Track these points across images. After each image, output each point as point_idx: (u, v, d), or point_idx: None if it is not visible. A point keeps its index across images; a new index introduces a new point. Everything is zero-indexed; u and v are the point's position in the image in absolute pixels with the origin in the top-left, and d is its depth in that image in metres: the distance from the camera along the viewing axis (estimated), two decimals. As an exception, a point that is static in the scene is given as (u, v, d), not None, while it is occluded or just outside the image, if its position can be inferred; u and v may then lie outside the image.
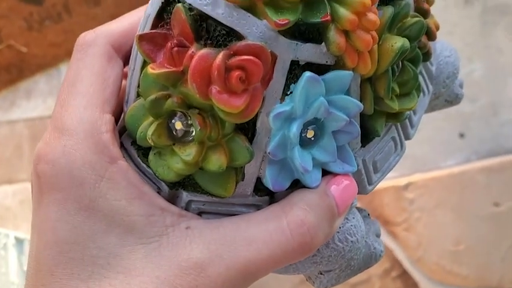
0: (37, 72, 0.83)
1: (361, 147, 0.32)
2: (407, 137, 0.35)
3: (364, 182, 0.33)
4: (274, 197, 0.31)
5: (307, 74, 0.27)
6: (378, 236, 0.37)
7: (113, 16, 0.87)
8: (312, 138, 0.29)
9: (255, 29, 0.26)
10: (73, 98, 0.29)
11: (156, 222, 0.26)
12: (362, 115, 0.31)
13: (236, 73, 0.25)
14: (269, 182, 0.29)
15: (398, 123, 0.34)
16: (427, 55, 0.34)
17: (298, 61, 0.27)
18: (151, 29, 0.29)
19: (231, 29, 0.26)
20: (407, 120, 0.35)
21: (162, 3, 0.29)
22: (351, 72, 0.28)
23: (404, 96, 0.32)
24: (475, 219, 0.81)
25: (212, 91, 0.26)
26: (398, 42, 0.29)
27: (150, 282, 0.25)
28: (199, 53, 0.26)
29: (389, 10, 0.29)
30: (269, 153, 0.28)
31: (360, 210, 0.36)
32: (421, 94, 0.35)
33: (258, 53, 0.26)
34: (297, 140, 0.28)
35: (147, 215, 0.26)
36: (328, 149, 0.29)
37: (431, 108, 0.40)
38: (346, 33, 0.27)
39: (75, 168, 0.26)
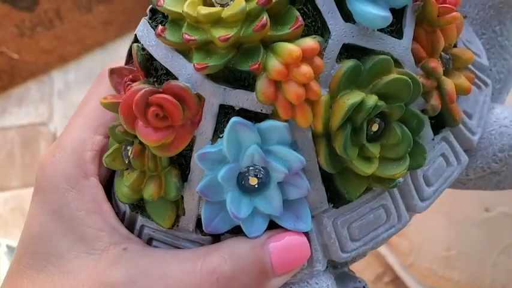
0: (29, 79, 0.83)
1: (332, 207, 0.30)
2: (412, 209, 0.32)
3: (334, 246, 0.30)
4: (221, 239, 0.30)
5: (234, 119, 0.27)
6: None
7: (105, 23, 0.86)
8: (256, 186, 0.28)
9: (184, 71, 0.27)
10: (77, 118, 0.32)
11: (103, 237, 0.29)
12: (331, 173, 0.29)
13: (152, 109, 0.27)
14: (202, 222, 0.29)
15: (396, 191, 0.31)
16: (451, 120, 0.31)
17: (233, 106, 0.27)
18: (124, 64, 0.31)
19: (167, 69, 0.28)
20: (412, 189, 0.31)
21: (132, 41, 0.30)
22: (285, 124, 0.27)
23: (390, 160, 0.29)
24: (466, 225, 0.81)
25: (137, 124, 0.27)
26: (352, 99, 0.27)
27: (77, 287, 0.28)
28: (132, 88, 0.28)
29: (348, 64, 0.27)
30: (197, 192, 0.28)
31: (353, 279, 0.34)
32: (444, 163, 0.32)
33: (178, 93, 0.27)
34: (231, 184, 0.28)
35: (98, 229, 0.29)
36: (272, 200, 0.28)
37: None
38: (279, 84, 0.26)
39: (56, 176, 0.30)
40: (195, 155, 0.28)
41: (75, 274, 0.29)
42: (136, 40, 0.30)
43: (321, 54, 0.27)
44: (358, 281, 0.34)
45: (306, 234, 0.30)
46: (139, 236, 0.32)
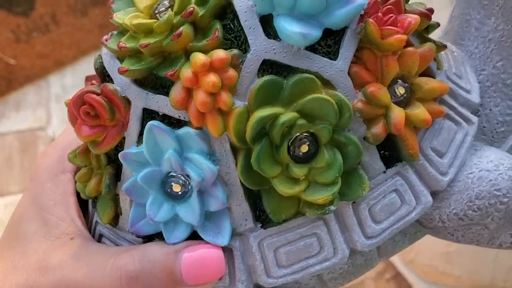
0: (26, 83, 0.83)
1: (260, 227, 0.29)
2: (353, 245, 0.29)
3: (259, 269, 0.29)
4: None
5: (151, 122, 0.28)
6: None
7: (101, 26, 0.87)
8: (180, 193, 0.28)
9: (118, 76, 0.29)
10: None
11: (60, 226, 0.32)
12: (259, 191, 0.28)
13: (83, 107, 0.29)
14: (129, 222, 0.30)
15: (334, 222, 0.29)
16: (406, 154, 0.29)
17: (157, 112, 0.28)
18: None
19: (109, 74, 0.30)
20: (354, 222, 0.29)
21: None
22: (196, 131, 0.28)
23: (319, 185, 0.28)
24: (466, 220, 0.81)
25: (78, 121, 0.30)
26: (261, 113, 0.26)
27: (25, 267, 0.31)
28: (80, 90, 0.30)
29: (264, 79, 0.27)
30: (122, 190, 0.29)
31: None
32: (397, 200, 0.30)
33: (108, 95, 0.29)
34: (153, 188, 0.28)
35: (58, 219, 0.32)
36: (192, 209, 0.28)
37: (488, 241, 0.32)
38: (191, 91, 0.27)
39: (41, 168, 0.34)
40: (119, 154, 0.29)
41: (29, 254, 0.31)
42: None
43: (238, 67, 0.27)
44: None
45: (230, 251, 0.29)
46: (93, 231, 0.33)
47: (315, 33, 0.27)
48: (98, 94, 0.29)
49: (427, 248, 0.83)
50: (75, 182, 0.33)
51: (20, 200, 0.34)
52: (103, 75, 0.31)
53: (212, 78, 0.26)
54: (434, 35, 0.32)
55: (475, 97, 0.33)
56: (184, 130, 0.28)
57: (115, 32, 0.30)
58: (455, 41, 0.35)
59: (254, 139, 0.27)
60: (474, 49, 0.34)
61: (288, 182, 0.27)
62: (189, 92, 0.27)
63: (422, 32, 0.31)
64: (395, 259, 0.85)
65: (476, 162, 0.31)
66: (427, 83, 0.29)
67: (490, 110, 0.34)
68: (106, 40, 0.30)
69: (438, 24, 0.31)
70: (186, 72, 0.27)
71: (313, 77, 0.27)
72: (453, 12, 0.35)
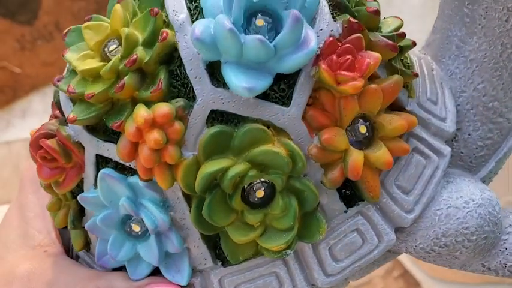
0: (31, 91, 0.84)
1: (221, 265, 0.29)
2: (313, 282, 0.29)
3: None
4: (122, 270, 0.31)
5: (102, 170, 0.28)
6: None
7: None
8: (139, 233, 0.29)
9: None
10: None
11: (37, 237, 0.33)
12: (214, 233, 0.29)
13: (39, 151, 0.29)
14: (95, 255, 0.30)
15: (293, 261, 0.29)
16: (366, 195, 0.28)
17: (111, 158, 0.28)
18: None
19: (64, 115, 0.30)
20: (314, 261, 0.29)
21: None
22: (144, 183, 0.28)
23: (275, 230, 0.27)
24: (472, 216, 0.81)
25: (37, 163, 0.30)
26: (210, 168, 0.26)
27: (2, 271, 0.32)
28: (41, 126, 0.30)
29: (211, 130, 0.26)
30: (86, 228, 0.30)
31: None
32: (359, 239, 0.29)
33: (62, 140, 0.29)
34: (112, 228, 0.29)
35: (36, 230, 0.33)
36: (151, 249, 0.28)
37: (460, 266, 0.31)
38: (137, 144, 0.27)
39: (27, 180, 0.35)
40: (78, 197, 0.29)
41: (5, 261, 0.33)
42: None
43: (185, 118, 0.26)
44: None
45: (192, 286, 0.30)
46: (71, 250, 0.34)
47: (262, 85, 0.26)
48: (53, 136, 0.29)
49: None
50: None
51: (9, 208, 0.36)
52: (61, 110, 0.31)
53: (155, 136, 0.25)
54: (417, 42, 0.31)
55: (449, 125, 0.31)
56: (135, 179, 0.28)
57: (69, 70, 0.29)
58: (436, 56, 0.33)
59: (204, 191, 0.26)
60: (455, 69, 0.32)
61: (243, 228, 0.27)
62: (135, 146, 0.26)
63: (393, 60, 0.29)
64: (403, 257, 0.85)
65: (446, 198, 0.30)
66: (390, 122, 0.28)
67: (469, 134, 0.32)
68: (58, 81, 0.29)
69: (414, 44, 0.29)
70: (130, 127, 0.26)
71: (264, 127, 0.26)
72: (436, 23, 0.33)
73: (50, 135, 0.30)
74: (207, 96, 0.26)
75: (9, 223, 0.34)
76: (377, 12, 0.28)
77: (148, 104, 0.26)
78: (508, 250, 0.30)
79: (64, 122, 0.30)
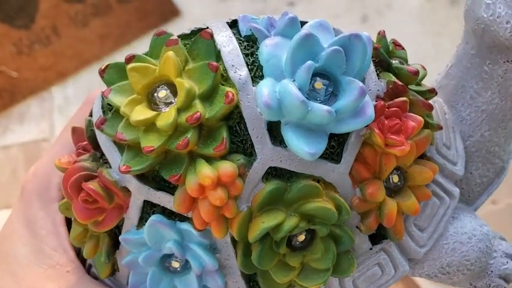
0: (29, 96, 0.83)
1: None
2: None
3: None
4: None
5: (153, 217, 0.29)
6: None
7: (101, 37, 0.87)
8: (178, 269, 0.30)
9: (116, 164, 0.29)
10: (57, 140, 0.37)
11: (54, 256, 0.33)
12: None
13: (81, 195, 0.29)
14: (129, 286, 0.31)
15: None
16: (392, 236, 0.31)
17: (158, 204, 0.29)
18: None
19: (103, 153, 0.30)
20: None
21: (89, 113, 0.33)
22: (198, 232, 0.28)
23: (312, 270, 0.29)
24: (472, 218, 0.81)
25: (74, 201, 0.30)
26: (267, 223, 0.27)
27: None
28: (75, 163, 0.30)
29: (270, 187, 0.27)
30: (122, 264, 0.31)
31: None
32: (379, 272, 0.32)
33: (107, 184, 0.29)
34: (152, 265, 0.29)
35: (52, 248, 0.33)
36: (191, 285, 0.29)
37: (450, 284, 0.36)
38: (196, 198, 0.27)
39: (33, 194, 0.35)
40: (120, 237, 0.30)
41: (21, 278, 0.32)
42: (91, 113, 0.32)
43: (244, 175, 0.27)
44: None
45: None
46: (88, 268, 0.34)
47: (321, 148, 0.27)
48: (93, 177, 0.29)
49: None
50: None
51: (9, 219, 0.35)
52: (95, 144, 0.31)
53: (220, 195, 0.26)
54: (429, 79, 0.34)
55: (460, 169, 0.35)
56: (186, 226, 0.29)
57: (109, 114, 0.29)
58: (449, 101, 0.36)
59: (257, 241, 0.28)
60: (466, 115, 0.35)
61: (284, 269, 0.29)
62: (194, 200, 0.27)
63: (426, 114, 0.31)
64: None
65: (452, 233, 0.34)
66: (420, 173, 0.31)
67: (471, 173, 0.36)
68: (101, 123, 0.28)
69: (435, 93, 0.33)
70: (193, 184, 0.26)
71: (317, 184, 0.28)
72: (450, 69, 0.36)
73: (89, 177, 0.29)
74: (266, 155, 0.27)
75: (17, 238, 0.34)
76: (417, 73, 0.30)
77: (208, 159, 0.27)
78: (493, 273, 0.35)
79: (100, 160, 0.30)
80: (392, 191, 0.31)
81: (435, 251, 0.34)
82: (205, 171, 0.26)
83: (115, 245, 0.32)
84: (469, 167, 0.36)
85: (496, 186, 0.37)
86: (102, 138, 0.30)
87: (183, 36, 0.29)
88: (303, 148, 0.26)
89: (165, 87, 0.27)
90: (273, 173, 0.28)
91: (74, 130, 0.33)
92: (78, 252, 0.35)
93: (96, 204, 0.29)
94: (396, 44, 0.32)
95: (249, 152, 0.28)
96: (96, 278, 0.34)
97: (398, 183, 0.31)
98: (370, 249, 0.32)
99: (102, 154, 0.30)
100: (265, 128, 0.27)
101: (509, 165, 0.37)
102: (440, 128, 0.32)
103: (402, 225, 0.31)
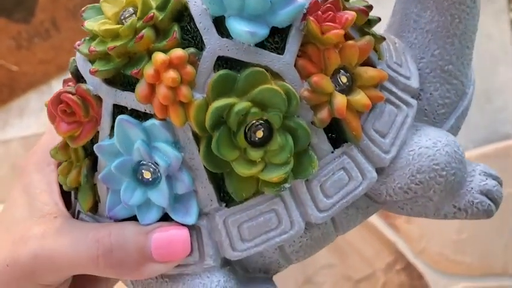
0: (28, 90, 0.83)
1: (225, 206, 0.33)
2: (308, 218, 0.33)
3: (225, 244, 0.33)
4: None
5: (120, 116, 0.32)
6: None
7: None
8: (150, 179, 0.32)
9: (90, 76, 0.33)
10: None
11: (44, 208, 0.35)
12: (222, 174, 0.32)
13: (60, 106, 0.33)
14: (106, 208, 0.33)
15: (290, 198, 0.33)
16: (350, 136, 0.33)
17: (126, 106, 0.32)
18: None
19: (82, 75, 0.34)
20: (308, 198, 0.33)
21: None
22: (160, 122, 0.31)
23: (274, 165, 0.31)
24: (475, 207, 0.81)
25: (56, 119, 0.33)
26: (217, 103, 0.30)
27: (8, 241, 0.35)
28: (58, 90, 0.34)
29: (218, 73, 0.31)
30: (99, 179, 0.33)
31: (265, 282, 0.35)
32: (345, 177, 0.33)
33: (82, 94, 0.33)
34: (126, 175, 0.32)
35: (43, 203, 0.36)
36: (162, 192, 0.32)
37: (434, 212, 0.36)
38: (154, 87, 0.31)
39: (30, 162, 0.38)
40: (94, 146, 0.33)
41: (14, 231, 0.35)
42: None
43: (195, 63, 0.31)
44: (271, 285, 0.35)
45: (198, 229, 0.33)
46: (77, 219, 0.37)
47: (262, 32, 0.31)
48: (73, 94, 0.33)
49: (438, 237, 0.83)
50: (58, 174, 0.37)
51: (10, 194, 0.38)
52: (77, 77, 0.34)
53: (172, 74, 0.30)
54: (380, 29, 0.36)
55: (414, 83, 0.36)
56: (150, 122, 0.32)
57: (87, 38, 0.34)
58: (398, 33, 0.38)
59: (213, 127, 0.31)
60: (413, 40, 0.38)
61: (246, 164, 0.31)
62: (152, 88, 0.31)
63: (363, 26, 0.34)
64: (406, 250, 0.85)
65: (417, 140, 0.34)
66: (366, 71, 0.33)
67: (431, 94, 0.37)
68: (78, 45, 0.33)
69: (379, 19, 0.35)
70: (149, 70, 0.30)
71: (263, 70, 0.31)
72: (395, 6, 0.39)
73: (67, 93, 0.33)
74: (214, 45, 0.31)
75: (13, 203, 0.37)
76: None
77: (163, 52, 0.31)
78: (473, 189, 0.36)
79: (81, 82, 0.34)
80: (344, 92, 0.33)
81: (402, 159, 0.34)
82: (158, 56, 0.30)
83: (94, 167, 0.34)
84: (427, 88, 0.37)
85: (462, 111, 0.38)
86: (81, 62, 0.34)
87: None
88: (243, 29, 0.30)
89: (131, 9, 0.32)
90: (223, 65, 0.31)
91: (65, 81, 0.36)
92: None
93: (73, 118, 0.33)
94: None
95: (200, 46, 0.31)
96: None
97: (347, 83, 0.33)
98: (332, 152, 0.33)
99: (82, 79, 0.34)
100: (211, 20, 0.31)
101: (470, 91, 0.38)
102: (384, 38, 0.35)
103: (358, 123, 0.33)
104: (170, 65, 0.30)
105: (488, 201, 0.35)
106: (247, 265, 0.35)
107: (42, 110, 0.84)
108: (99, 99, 0.33)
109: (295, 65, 0.32)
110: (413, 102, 0.36)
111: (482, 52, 0.78)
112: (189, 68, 0.31)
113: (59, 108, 0.33)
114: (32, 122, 0.83)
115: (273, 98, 0.31)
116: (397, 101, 0.35)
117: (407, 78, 0.36)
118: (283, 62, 0.32)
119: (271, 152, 0.31)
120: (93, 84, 0.33)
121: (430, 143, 0.34)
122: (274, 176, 0.31)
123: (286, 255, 0.35)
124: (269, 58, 0.31)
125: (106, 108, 0.33)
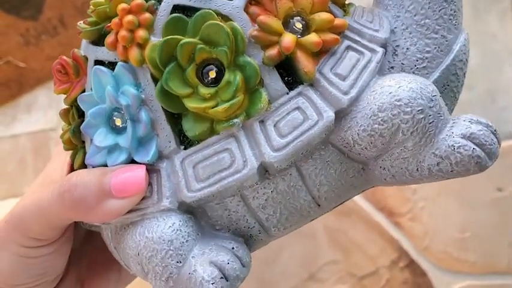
0: (36, 86, 0.84)
1: (183, 149, 0.34)
2: (261, 157, 0.33)
3: (181, 185, 0.34)
4: None
5: (95, 66, 0.35)
6: None
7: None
8: (120, 126, 0.35)
9: (83, 43, 0.37)
10: None
11: (55, 182, 0.38)
12: (177, 117, 0.34)
13: (57, 66, 0.37)
14: (85, 157, 0.36)
15: (243, 137, 0.34)
16: (303, 75, 0.33)
17: (103, 61, 0.36)
18: None
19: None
20: (261, 137, 0.33)
21: None
22: (122, 63, 0.35)
23: (223, 101, 0.32)
24: (479, 205, 0.81)
25: (54, 79, 0.38)
26: (164, 39, 0.33)
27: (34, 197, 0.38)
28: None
29: (170, 16, 0.34)
30: (82, 129, 0.36)
31: (227, 239, 0.35)
32: (300, 116, 0.33)
33: (75, 56, 0.37)
34: (100, 122, 0.35)
35: (55, 180, 0.39)
36: (127, 135, 0.34)
37: (418, 169, 0.34)
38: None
39: (57, 152, 0.43)
40: (77, 97, 0.36)
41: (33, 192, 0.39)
42: None
43: (154, 12, 0.34)
44: (238, 242, 0.35)
45: (158, 172, 0.34)
46: None
47: None
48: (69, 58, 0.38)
49: (441, 235, 0.83)
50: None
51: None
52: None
53: (129, 18, 0.34)
54: (366, 3, 0.38)
55: (382, 34, 0.36)
56: (117, 67, 0.35)
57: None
58: (377, 3, 0.38)
59: (164, 64, 0.33)
60: (388, 1, 0.37)
61: (198, 100, 0.33)
62: (117, 34, 0.34)
63: None
64: (409, 247, 0.85)
65: (380, 82, 0.33)
66: (320, 15, 0.34)
67: (408, 48, 0.36)
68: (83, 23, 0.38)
69: None
70: (114, 20, 0.34)
71: (211, 11, 0.33)
72: None
73: (67, 58, 0.38)
74: None
75: (40, 179, 0.42)
76: None
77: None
78: (454, 133, 0.33)
79: None
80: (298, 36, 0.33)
81: (363, 101, 0.33)
82: (121, 5, 0.34)
83: (82, 122, 0.37)
84: (404, 43, 0.36)
85: (447, 66, 0.37)
86: (83, 42, 0.37)
87: None
88: None
89: None
90: (180, 12, 0.34)
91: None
92: None
93: (67, 78, 0.38)
94: None
95: (160, 0, 0.34)
96: None
97: (302, 28, 0.33)
98: (287, 93, 0.34)
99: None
100: None
101: (457, 48, 0.37)
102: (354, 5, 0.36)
103: (310, 62, 0.33)
104: (130, 11, 0.34)
105: (473, 145, 0.33)
106: (212, 219, 0.35)
107: (50, 106, 0.85)
108: (86, 59, 0.37)
109: (246, 11, 0.33)
110: (379, 49, 0.35)
111: (487, 52, 0.78)
112: (147, 15, 0.34)
113: (55, 69, 0.38)
114: (40, 118, 0.84)
115: (218, 33, 0.32)
116: (360, 48, 0.35)
117: (376, 31, 0.36)
118: (233, 5, 0.33)
119: (221, 89, 0.32)
120: (83, 47, 0.37)
121: (393, 82, 0.33)
122: (221, 107, 0.32)
123: (252, 210, 0.34)
124: (219, 3, 0.33)
125: (90, 65, 0.36)
